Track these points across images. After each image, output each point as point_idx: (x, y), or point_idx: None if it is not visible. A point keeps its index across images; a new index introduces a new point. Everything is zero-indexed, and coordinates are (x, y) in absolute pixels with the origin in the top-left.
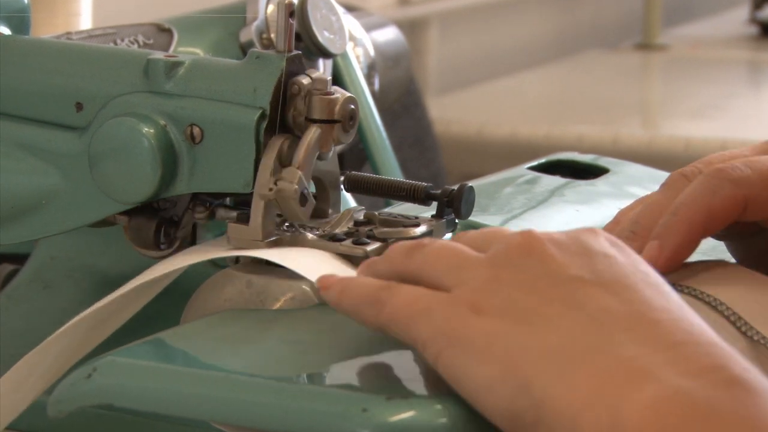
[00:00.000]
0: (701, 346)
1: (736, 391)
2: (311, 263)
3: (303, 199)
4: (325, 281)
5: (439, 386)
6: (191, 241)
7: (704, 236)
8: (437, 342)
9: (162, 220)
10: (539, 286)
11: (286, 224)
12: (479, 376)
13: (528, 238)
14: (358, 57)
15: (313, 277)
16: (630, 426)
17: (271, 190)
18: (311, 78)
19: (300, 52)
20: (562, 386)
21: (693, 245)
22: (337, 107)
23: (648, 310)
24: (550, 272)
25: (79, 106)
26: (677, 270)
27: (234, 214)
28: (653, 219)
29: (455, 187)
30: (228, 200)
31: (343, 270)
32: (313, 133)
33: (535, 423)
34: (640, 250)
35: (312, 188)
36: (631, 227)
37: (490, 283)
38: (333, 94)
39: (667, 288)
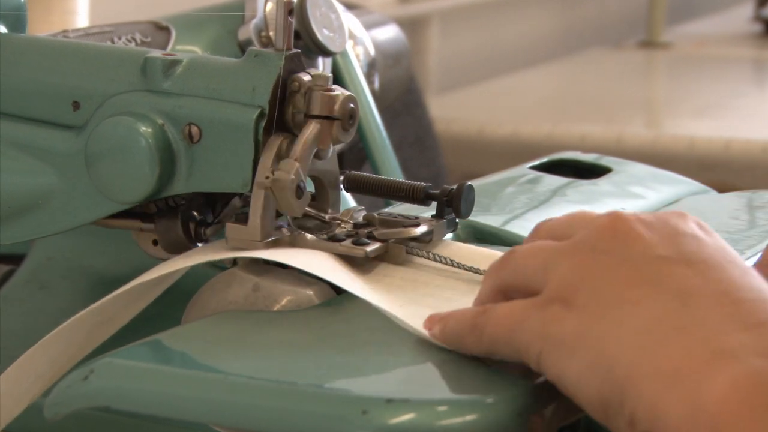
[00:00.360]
0: None
1: None
2: (316, 262)
3: (299, 191)
4: (429, 321)
5: (441, 388)
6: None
7: None
8: (535, 346)
9: (185, 218)
10: (625, 269)
11: (286, 224)
12: (572, 370)
13: (614, 219)
14: (357, 55)
15: (325, 275)
16: (711, 407)
17: (267, 178)
18: (311, 75)
19: (299, 50)
20: (643, 363)
21: None
22: (337, 104)
23: (732, 290)
24: (636, 254)
25: (75, 105)
26: None
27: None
28: None
29: (454, 186)
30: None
31: (339, 267)
32: (312, 128)
33: (621, 404)
34: None
35: (311, 188)
36: None
37: (575, 273)
38: (333, 90)
39: (752, 271)
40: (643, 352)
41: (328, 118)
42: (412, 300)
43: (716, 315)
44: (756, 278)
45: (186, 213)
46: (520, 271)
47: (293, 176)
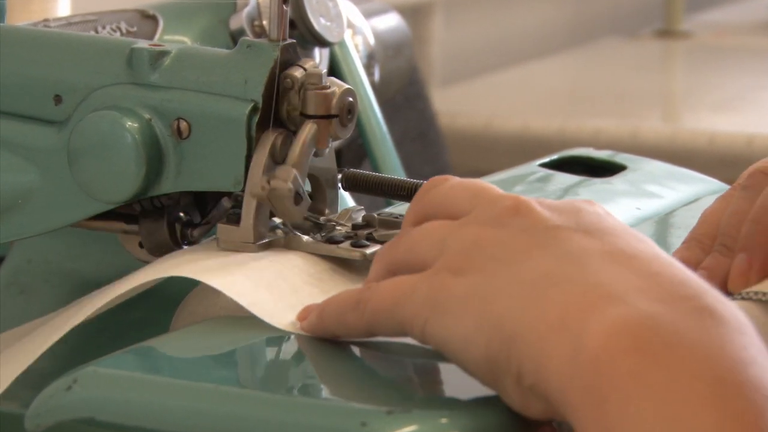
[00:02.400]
0: (676, 278)
1: (705, 320)
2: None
3: (298, 198)
4: (302, 312)
5: (442, 398)
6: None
7: None
8: (422, 314)
9: (170, 219)
10: (521, 237)
11: (281, 224)
12: (458, 334)
13: (516, 200)
14: (356, 45)
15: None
16: (590, 346)
17: (263, 189)
18: (305, 70)
19: (294, 40)
20: (530, 316)
21: None
22: (334, 101)
23: (627, 248)
24: (534, 225)
25: (57, 99)
26: None
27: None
28: (740, 229)
29: None
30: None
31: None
32: (308, 129)
33: (507, 361)
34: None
35: (307, 186)
36: (721, 240)
37: (471, 244)
38: (329, 87)
39: (651, 241)
40: (529, 305)
41: (325, 116)
42: None
43: (607, 267)
44: (653, 246)
45: (172, 214)
46: (415, 249)
47: (291, 185)
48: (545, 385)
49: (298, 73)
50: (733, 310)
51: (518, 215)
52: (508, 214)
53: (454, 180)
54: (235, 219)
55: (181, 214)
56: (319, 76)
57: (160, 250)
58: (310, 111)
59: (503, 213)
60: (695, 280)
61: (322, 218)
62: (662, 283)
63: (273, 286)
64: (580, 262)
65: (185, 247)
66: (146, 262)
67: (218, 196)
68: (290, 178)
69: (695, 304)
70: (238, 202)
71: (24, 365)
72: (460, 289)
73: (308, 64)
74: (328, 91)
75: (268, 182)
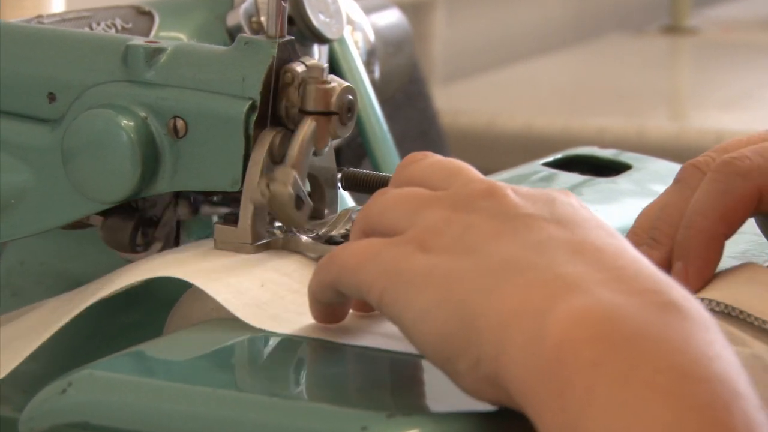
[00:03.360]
0: (642, 272)
1: (670, 315)
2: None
3: (299, 202)
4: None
5: (443, 402)
6: (175, 242)
7: (726, 239)
8: (380, 281)
9: (140, 220)
10: (492, 223)
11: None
12: (416, 306)
13: (491, 184)
14: (356, 42)
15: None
16: (551, 335)
17: (263, 195)
18: (306, 65)
19: (293, 37)
20: (492, 300)
21: (717, 254)
22: (334, 98)
23: (597, 240)
24: (506, 211)
25: (51, 97)
26: (709, 282)
27: (222, 210)
28: (671, 224)
29: None
30: (215, 197)
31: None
32: (307, 126)
33: (466, 345)
34: (661, 259)
35: (306, 186)
36: (650, 234)
37: (442, 222)
38: (330, 83)
39: (621, 236)
40: (493, 291)
41: (325, 113)
42: None
43: (572, 258)
44: (622, 240)
45: (144, 217)
46: (388, 214)
47: (291, 190)
48: (504, 372)
49: (299, 68)
50: (698, 307)
51: (490, 199)
52: (481, 197)
53: (434, 157)
54: (232, 219)
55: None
56: (321, 69)
57: (118, 248)
58: (310, 107)
59: (476, 196)
60: (661, 276)
61: (321, 231)
62: (627, 277)
63: (259, 292)
64: (547, 252)
65: (138, 249)
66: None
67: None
68: (290, 181)
69: (660, 298)
70: (235, 199)
71: (12, 364)
72: (423, 265)
73: (310, 61)
74: (329, 86)
75: (268, 187)
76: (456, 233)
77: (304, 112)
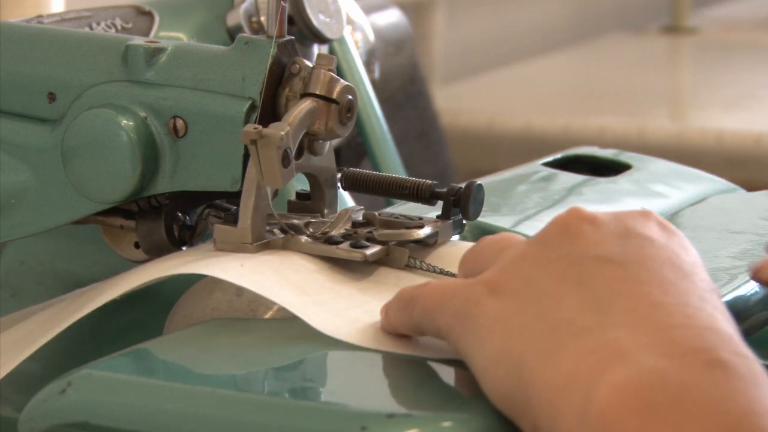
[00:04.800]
0: (696, 329)
1: (716, 373)
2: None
3: (285, 159)
4: (381, 311)
5: (443, 402)
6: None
7: None
8: (455, 327)
9: (168, 219)
10: (560, 265)
11: (278, 227)
12: (481, 356)
13: (568, 216)
14: (356, 42)
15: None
16: (597, 407)
17: (255, 129)
18: (317, 56)
19: (293, 37)
20: (546, 366)
21: None
22: (338, 88)
23: (656, 293)
24: (575, 251)
25: (51, 97)
26: None
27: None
28: None
29: (463, 185)
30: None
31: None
32: (307, 103)
33: (524, 406)
34: None
35: (306, 186)
36: None
37: (514, 262)
38: (335, 72)
39: (698, 277)
40: (547, 355)
41: (326, 98)
42: None
43: (627, 318)
44: (694, 283)
45: (170, 214)
46: (479, 259)
47: (283, 134)
48: None
49: (308, 62)
50: (749, 363)
51: (564, 235)
52: (556, 231)
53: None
54: (232, 219)
55: (179, 214)
56: (331, 59)
57: (158, 251)
58: (313, 89)
59: (552, 230)
60: (715, 330)
61: (321, 231)
62: (677, 339)
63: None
64: (603, 311)
65: (184, 248)
66: (137, 263)
67: (213, 195)
68: (283, 129)
69: (706, 357)
70: (235, 202)
71: (14, 363)
72: (490, 312)
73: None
74: (335, 75)
75: (258, 131)
76: (525, 274)
77: (305, 95)
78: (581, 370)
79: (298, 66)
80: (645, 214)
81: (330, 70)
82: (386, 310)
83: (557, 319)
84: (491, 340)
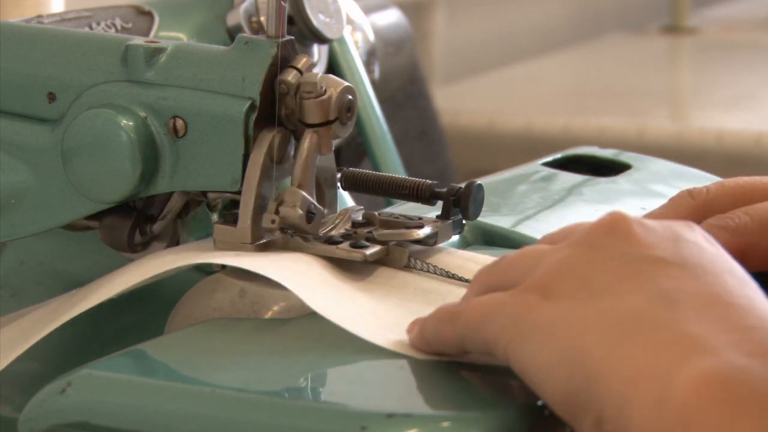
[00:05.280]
0: None
1: None
2: (302, 276)
3: (310, 217)
4: (411, 325)
5: (443, 402)
6: (175, 243)
7: None
8: (505, 335)
9: (138, 219)
10: (615, 264)
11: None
12: (540, 360)
13: (615, 217)
14: (356, 42)
15: (300, 291)
16: (678, 399)
17: (273, 222)
18: (300, 73)
19: (293, 37)
20: (615, 358)
21: None
22: (331, 105)
23: (725, 294)
24: (629, 251)
25: (51, 97)
26: None
27: (218, 202)
28: None
29: (463, 185)
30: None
31: (330, 278)
32: (309, 140)
33: (588, 400)
34: None
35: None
36: None
37: (563, 264)
38: (324, 93)
39: (754, 283)
40: (616, 347)
41: (325, 123)
42: (413, 311)
43: (701, 315)
44: (754, 289)
45: (142, 215)
46: (510, 272)
47: (300, 210)
48: None
49: (292, 77)
50: None
51: (614, 236)
52: (604, 232)
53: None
54: (232, 219)
55: (152, 214)
56: (314, 84)
57: (117, 247)
58: (309, 120)
59: (599, 231)
60: None
61: (321, 231)
62: (758, 339)
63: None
64: (673, 306)
65: (137, 248)
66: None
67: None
68: (298, 201)
69: None
70: (234, 202)
71: (6, 361)
72: (546, 315)
73: (301, 63)
74: (324, 97)
75: (277, 212)
76: (579, 275)
77: (304, 124)
78: (658, 362)
79: (285, 86)
80: (689, 224)
81: (318, 95)
82: (422, 325)
83: (622, 314)
84: (550, 342)
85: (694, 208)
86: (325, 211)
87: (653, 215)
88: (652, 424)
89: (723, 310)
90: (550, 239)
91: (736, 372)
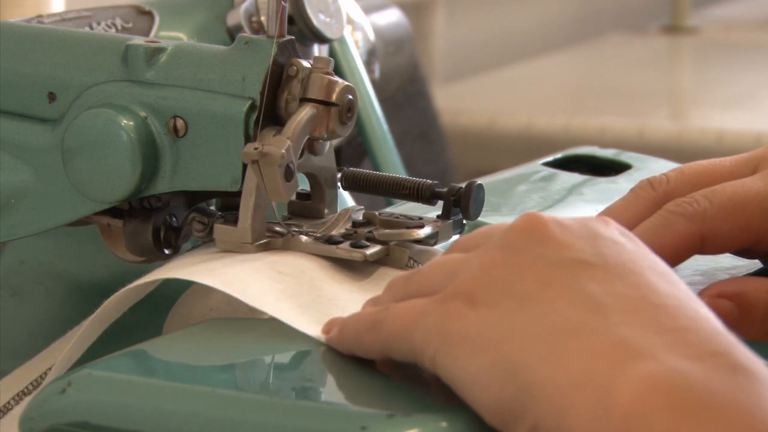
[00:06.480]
0: (704, 333)
1: (739, 377)
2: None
3: (288, 173)
4: (327, 326)
5: (444, 402)
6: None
7: None
8: (432, 343)
9: (157, 222)
10: (537, 268)
11: (278, 227)
12: (470, 370)
13: (530, 219)
14: (356, 42)
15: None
16: (620, 405)
17: (256, 149)
18: (313, 59)
19: (293, 37)
20: (550, 367)
21: None
22: (337, 90)
23: (651, 294)
24: (550, 253)
25: (51, 97)
26: None
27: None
28: None
29: (463, 184)
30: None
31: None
32: (306, 110)
33: (523, 411)
34: None
35: (306, 186)
36: None
37: (485, 270)
38: (334, 76)
39: (675, 277)
40: (550, 357)
41: (325, 103)
42: None
43: (630, 318)
44: (677, 285)
45: (159, 217)
46: (427, 281)
47: (284, 151)
48: None
49: (305, 63)
50: (760, 366)
51: (532, 239)
52: (521, 236)
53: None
54: (232, 219)
55: (167, 218)
56: (328, 61)
57: (141, 252)
58: (312, 94)
59: (516, 235)
60: (721, 333)
61: (321, 231)
62: (690, 340)
63: (274, 283)
64: (601, 310)
65: (166, 252)
66: (133, 263)
67: (209, 195)
68: (284, 145)
69: (726, 360)
70: (235, 202)
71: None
72: (473, 324)
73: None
74: (333, 78)
75: (262, 146)
76: (501, 281)
77: (304, 100)
78: (596, 369)
79: (295, 68)
80: (605, 220)
81: (327, 73)
82: (342, 328)
83: (552, 322)
84: (481, 351)
85: (655, 199)
86: (325, 210)
87: (614, 208)
88: (595, 430)
89: (652, 312)
90: (463, 246)
91: (676, 377)
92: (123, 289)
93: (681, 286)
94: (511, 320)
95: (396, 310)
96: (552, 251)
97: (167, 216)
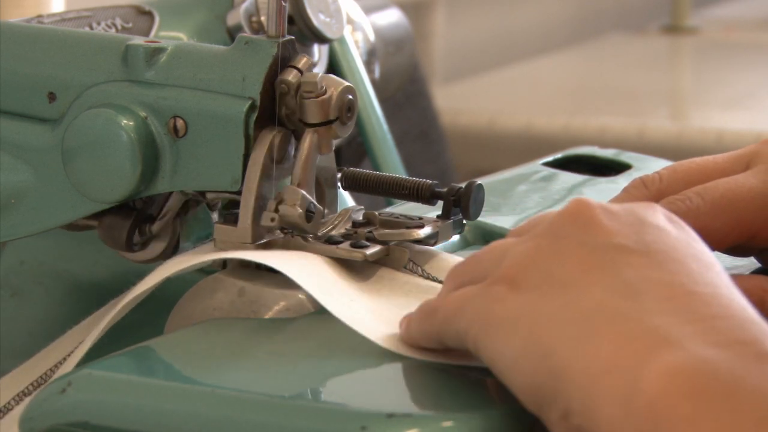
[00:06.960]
0: (736, 320)
1: (765, 366)
2: (306, 270)
3: (309, 216)
4: (402, 321)
5: (443, 402)
6: (175, 243)
7: None
8: (474, 327)
9: (138, 219)
10: (579, 254)
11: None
12: (506, 353)
13: (578, 205)
14: (356, 42)
15: (310, 287)
16: (646, 393)
17: (273, 220)
18: (300, 72)
19: (293, 37)
20: (580, 353)
21: None
22: (332, 105)
23: (689, 282)
24: (593, 239)
25: (51, 97)
26: None
27: (218, 201)
28: None
29: (463, 184)
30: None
31: (334, 276)
32: (309, 140)
33: (553, 394)
34: None
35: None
36: None
37: (528, 255)
38: (325, 93)
39: (718, 267)
40: (580, 343)
41: (325, 123)
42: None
43: (664, 306)
44: (718, 274)
45: (142, 215)
46: (480, 267)
47: (299, 209)
48: (595, 427)
49: (292, 77)
50: None
51: (577, 224)
52: (568, 221)
53: None
54: (232, 219)
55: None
56: (314, 83)
57: (116, 246)
58: (309, 120)
59: (563, 220)
60: (754, 322)
61: (321, 231)
62: (721, 328)
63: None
64: (636, 297)
65: (135, 248)
66: (135, 262)
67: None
68: (297, 200)
69: (755, 349)
70: (235, 202)
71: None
72: (511, 307)
73: (302, 63)
74: (325, 96)
75: (277, 210)
76: (543, 266)
77: (304, 123)
78: (623, 356)
79: (285, 86)
80: (652, 206)
81: (318, 95)
82: (408, 321)
83: (586, 307)
84: (516, 334)
85: (648, 198)
86: (325, 210)
87: None
88: (621, 418)
89: (687, 299)
90: (518, 231)
91: (702, 364)
92: (159, 269)
93: (722, 276)
94: (547, 305)
95: (449, 297)
96: (595, 237)
97: (151, 213)
